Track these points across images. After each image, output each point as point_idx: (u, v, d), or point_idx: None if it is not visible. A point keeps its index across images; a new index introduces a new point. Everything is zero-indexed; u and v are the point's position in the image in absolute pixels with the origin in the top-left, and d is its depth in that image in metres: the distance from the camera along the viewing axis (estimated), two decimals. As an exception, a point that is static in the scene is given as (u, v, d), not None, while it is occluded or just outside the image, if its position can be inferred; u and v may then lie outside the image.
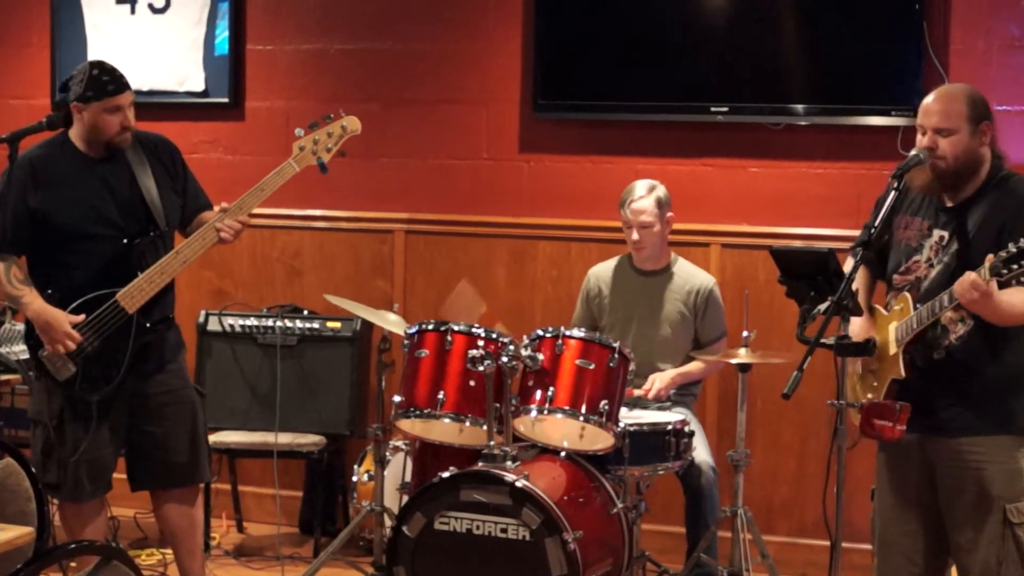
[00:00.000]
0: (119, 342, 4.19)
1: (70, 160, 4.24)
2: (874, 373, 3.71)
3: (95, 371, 4.18)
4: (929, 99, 3.63)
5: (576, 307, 5.17)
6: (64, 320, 4.13)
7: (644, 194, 4.92)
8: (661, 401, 4.85)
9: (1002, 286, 3.34)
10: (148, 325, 4.22)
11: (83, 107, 4.20)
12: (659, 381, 4.81)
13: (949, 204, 3.64)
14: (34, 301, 4.15)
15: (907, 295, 3.63)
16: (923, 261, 3.65)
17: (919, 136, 3.63)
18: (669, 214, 4.97)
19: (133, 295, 4.18)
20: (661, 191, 4.96)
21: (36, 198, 4.17)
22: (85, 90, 4.19)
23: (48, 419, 4.20)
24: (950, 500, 3.62)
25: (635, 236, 4.93)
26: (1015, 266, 3.26)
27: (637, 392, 4.80)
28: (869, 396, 3.69)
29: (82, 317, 4.15)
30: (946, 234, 3.61)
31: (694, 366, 4.92)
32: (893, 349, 3.62)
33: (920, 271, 3.65)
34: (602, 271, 5.12)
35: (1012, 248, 3.28)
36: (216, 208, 4.35)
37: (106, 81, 4.22)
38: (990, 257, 3.32)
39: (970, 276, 3.35)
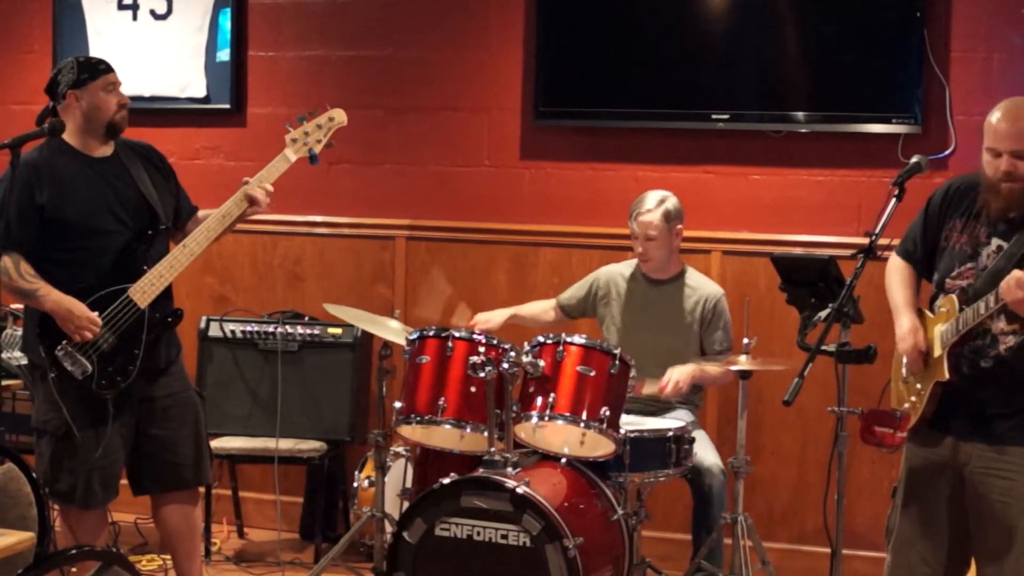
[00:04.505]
0: (132, 338, 4.18)
1: (70, 160, 4.23)
2: (918, 376, 3.66)
3: (111, 368, 4.17)
4: (1000, 120, 3.51)
5: (575, 286, 5.17)
6: (84, 307, 4.10)
7: (652, 207, 4.91)
8: (677, 396, 4.78)
9: None
10: (158, 317, 4.22)
11: (80, 92, 4.20)
12: (677, 372, 4.73)
13: (1012, 215, 3.55)
14: (51, 292, 4.10)
15: (953, 297, 3.59)
16: (978, 268, 3.59)
17: (990, 158, 3.52)
18: (679, 226, 4.96)
19: (144, 290, 4.18)
20: (671, 203, 4.94)
21: (43, 195, 4.14)
22: (79, 74, 4.21)
23: (57, 427, 4.17)
24: (978, 506, 3.59)
25: (639, 248, 4.95)
26: None
27: (648, 391, 4.76)
28: (912, 400, 3.65)
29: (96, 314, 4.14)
30: (1005, 244, 3.55)
31: (712, 366, 4.84)
32: (938, 351, 3.58)
33: (973, 278, 3.59)
34: (615, 274, 5.11)
35: None
36: (206, 211, 4.42)
37: (96, 62, 4.30)
38: None
39: (1016, 274, 3.32)
